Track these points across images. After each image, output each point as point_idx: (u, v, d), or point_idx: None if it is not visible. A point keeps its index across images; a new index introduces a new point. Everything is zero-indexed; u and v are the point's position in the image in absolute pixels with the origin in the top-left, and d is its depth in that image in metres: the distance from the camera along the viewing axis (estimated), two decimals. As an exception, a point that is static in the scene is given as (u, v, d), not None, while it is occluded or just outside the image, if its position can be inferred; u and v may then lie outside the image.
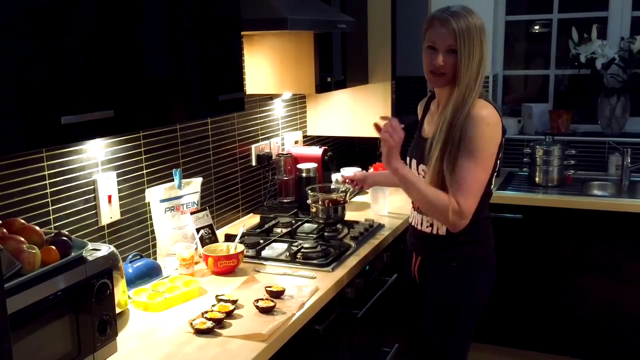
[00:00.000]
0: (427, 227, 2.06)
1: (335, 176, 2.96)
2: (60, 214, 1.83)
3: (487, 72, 1.83)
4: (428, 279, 2.11)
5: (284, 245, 2.36)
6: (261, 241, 2.36)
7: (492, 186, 2.04)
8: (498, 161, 1.97)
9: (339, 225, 2.53)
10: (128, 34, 1.56)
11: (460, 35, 1.86)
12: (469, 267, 2.03)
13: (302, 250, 2.23)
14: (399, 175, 1.93)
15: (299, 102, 3.22)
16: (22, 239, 1.37)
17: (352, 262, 2.19)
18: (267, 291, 1.89)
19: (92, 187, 1.94)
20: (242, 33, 2.16)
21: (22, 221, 1.51)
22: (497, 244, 3.18)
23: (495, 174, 1.99)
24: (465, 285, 2.03)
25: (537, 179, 3.34)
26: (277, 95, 2.95)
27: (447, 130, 1.89)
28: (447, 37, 1.87)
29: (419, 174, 2.03)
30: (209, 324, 1.68)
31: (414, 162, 2.07)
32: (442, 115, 1.93)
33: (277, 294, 1.87)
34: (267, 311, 1.77)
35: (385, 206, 2.77)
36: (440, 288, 2.06)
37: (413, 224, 2.14)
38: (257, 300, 1.81)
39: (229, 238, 2.32)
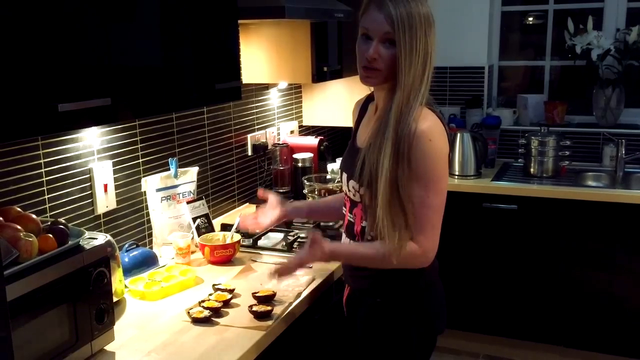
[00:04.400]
0: None
1: (331, 166, 2.96)
2: (56, 202, 1.83)
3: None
4: (357, 314, 1.78)
5: (280, 235, 2.36)
6: (257, 231, 2.35)
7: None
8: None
9: (335, 215, 2.53)
10: (123, 21, 1.55)
11: (399, 22, 1.51)
12: (398, 304, 1.68)
13: (299, 239, 2.23)
14: (336, 257, 1.71)
15: (294, 91, 3.21)
16: (19, 227, 1.36)
17: (348, 251, 2.18)
18: (255, 297, 1.78)
19: (88, 175, 1.94)
20: (239, 22, 2.15)
21: (18, 209, 1.50)
22: (492, 235, 3.22)
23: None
24: (393, 327, 1.68)
25: (531, 169, 3.35)
26: (273, 85, 2.95)
27: (394, 143, 1.53)
28: (383, 24, 1.53)
29: (349, 190, 1.71)
30: (206, 312, 1.68)
31: (344, 175, 1.74)
32: (382, 122, 1.57)
33: (268, 298, 1.78)
34: (264, 315, 1.69)
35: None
36: (365, 328, 1.74)
37: None
38: (251, 307, 1.72)
39: (225, 227, 2.32)
